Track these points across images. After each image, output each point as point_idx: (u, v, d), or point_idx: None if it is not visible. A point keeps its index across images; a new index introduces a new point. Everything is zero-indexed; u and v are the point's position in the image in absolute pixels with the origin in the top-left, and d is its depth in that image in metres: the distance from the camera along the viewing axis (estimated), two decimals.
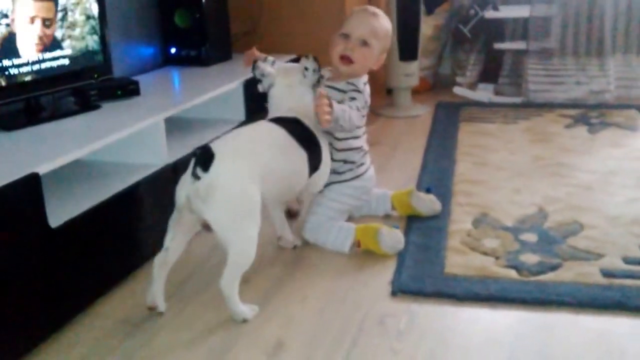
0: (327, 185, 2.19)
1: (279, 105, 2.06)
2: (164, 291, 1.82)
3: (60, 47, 2.18)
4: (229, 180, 1.72)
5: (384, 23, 2.19)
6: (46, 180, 1.73)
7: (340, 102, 2.07)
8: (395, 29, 3.69)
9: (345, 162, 2.20)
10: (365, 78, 2.18)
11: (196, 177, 1.69)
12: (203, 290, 1.94)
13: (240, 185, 1.75)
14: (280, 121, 1.99)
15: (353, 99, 2.11)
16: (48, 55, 2.14)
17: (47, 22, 2.12)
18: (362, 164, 2.24)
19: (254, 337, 1.70)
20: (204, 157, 1.70)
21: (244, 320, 1.76)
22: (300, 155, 1.97)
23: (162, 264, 1.79)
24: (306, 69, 2.05)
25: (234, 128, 2.28)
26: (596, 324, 1.71)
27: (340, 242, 2.12)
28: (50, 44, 2.14)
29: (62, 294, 1.73)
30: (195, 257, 2.14)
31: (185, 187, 1.73)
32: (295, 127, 1.99)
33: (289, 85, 2.07)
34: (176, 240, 1.80)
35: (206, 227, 1.77)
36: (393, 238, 2.10)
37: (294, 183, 2.00)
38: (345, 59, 2.13)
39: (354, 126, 2.09)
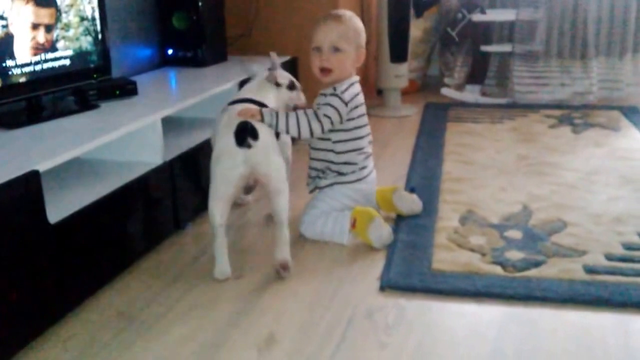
0: (330, 185, 2.24)
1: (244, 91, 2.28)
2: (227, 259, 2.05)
3: (61, 49, 2.20)
4: (272, 143, 2.05)
5: (350, 23, 2.19)
6: (46, 177, 1.74)
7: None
8: (386, 32, 3.74)
9: (347, 163, 2.23)
10: (352, 79, 2.21)
11: (248, 146, 1.97)
12: (195, 286, 1.96)
13: (276, 145, 2.08)
14: (247, 101, 2.18)
15: (326, 104, 2.14)
16: (49, 56, 2.16)
17: (49, 27, 2.15)
18: (364, 167, 2.26)
19: (246, 332, 1.71)
20: (252, 130, 1.99)
21: (285, 268, 1.99)
22: None
23: (222, 241, 2.02)
24: (278, 84, 2.26)
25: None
26: (579, 319, 1.73)
27: (338, 231, 2.16)
28: (51, 46, 2.17)
29: (59, 289, 1.74)
30: (187, 254, 2.17)
31: (239, 157, 1.97)
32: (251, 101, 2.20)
33: (259, 84, 2.27)
34: (224, 215, 2.02)
35: (247, 190, 2.28)
36: (383, 231, 2.13)
37: None
38: (324, 71, 2.17)
39: (313, 131, 2.12)
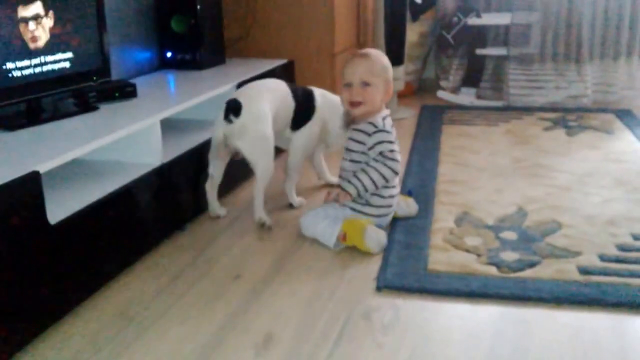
0: (353, 209, 2.24)
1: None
2: (218, 203, 2.44)
3: (61, 51, 2.21)
4: (254, 122, 2.30)
5: (377, 59, 2.26)
6: (46, 178, 1.75)
7: (363, 144, 2.23)
8: (383, 35, 3.76)
9: (375, 194, 2.23)
10: (383, 113, 2.26)
11: (229, 121, 2.27)
12: (195, 285, 1.97)
13: (262, 125, 2.31)
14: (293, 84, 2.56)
15: (380, 142, 2.20)
16: (49, 58, 2.17)
17: (46, 31, 2.16)
18: (389, 206, 2.27)
19: (244, 331, 1.72)
20: (235, 106, 2.27)
21: (262, 224, 2.32)
22: (291, 105, 2.48)
23: (211, 187, 2.40)
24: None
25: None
26: (573, 320, 1.74)
27: (328, 234, 2.18)
28: (51, 48, 2.18)
29: (60, 288, 1.75)
30: (186, 255, 2.18)
31: (220, 128, 2.31)
32: (302, 90, 2.54)
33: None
34: (217, 168, 2.38)
35: (236, 155, 2.38)
36: (379, 236, 2.15)
37: (283, 123, 2.49)
38: (355, 104, 2.24)
39: (388, 176, 2.20)
